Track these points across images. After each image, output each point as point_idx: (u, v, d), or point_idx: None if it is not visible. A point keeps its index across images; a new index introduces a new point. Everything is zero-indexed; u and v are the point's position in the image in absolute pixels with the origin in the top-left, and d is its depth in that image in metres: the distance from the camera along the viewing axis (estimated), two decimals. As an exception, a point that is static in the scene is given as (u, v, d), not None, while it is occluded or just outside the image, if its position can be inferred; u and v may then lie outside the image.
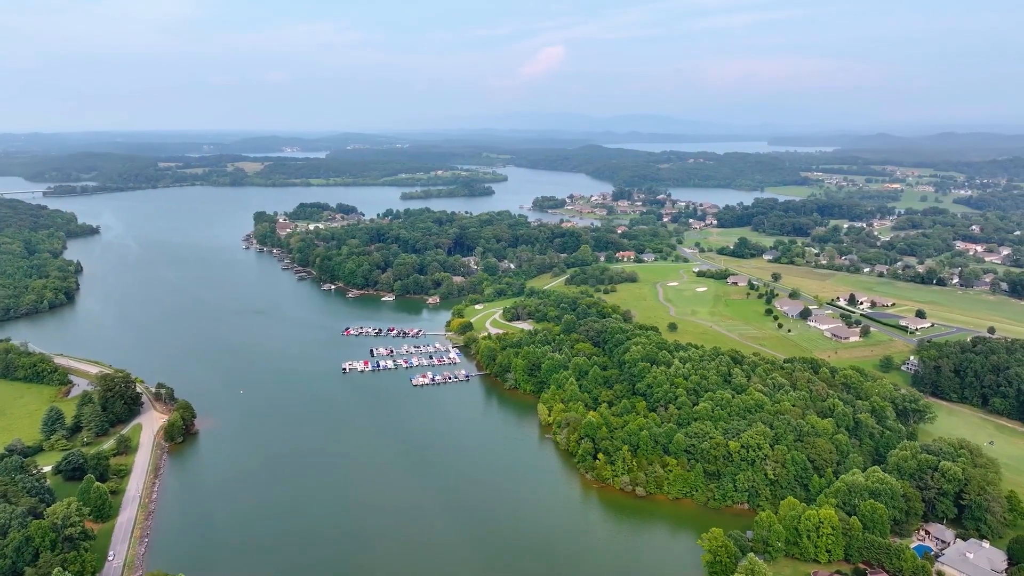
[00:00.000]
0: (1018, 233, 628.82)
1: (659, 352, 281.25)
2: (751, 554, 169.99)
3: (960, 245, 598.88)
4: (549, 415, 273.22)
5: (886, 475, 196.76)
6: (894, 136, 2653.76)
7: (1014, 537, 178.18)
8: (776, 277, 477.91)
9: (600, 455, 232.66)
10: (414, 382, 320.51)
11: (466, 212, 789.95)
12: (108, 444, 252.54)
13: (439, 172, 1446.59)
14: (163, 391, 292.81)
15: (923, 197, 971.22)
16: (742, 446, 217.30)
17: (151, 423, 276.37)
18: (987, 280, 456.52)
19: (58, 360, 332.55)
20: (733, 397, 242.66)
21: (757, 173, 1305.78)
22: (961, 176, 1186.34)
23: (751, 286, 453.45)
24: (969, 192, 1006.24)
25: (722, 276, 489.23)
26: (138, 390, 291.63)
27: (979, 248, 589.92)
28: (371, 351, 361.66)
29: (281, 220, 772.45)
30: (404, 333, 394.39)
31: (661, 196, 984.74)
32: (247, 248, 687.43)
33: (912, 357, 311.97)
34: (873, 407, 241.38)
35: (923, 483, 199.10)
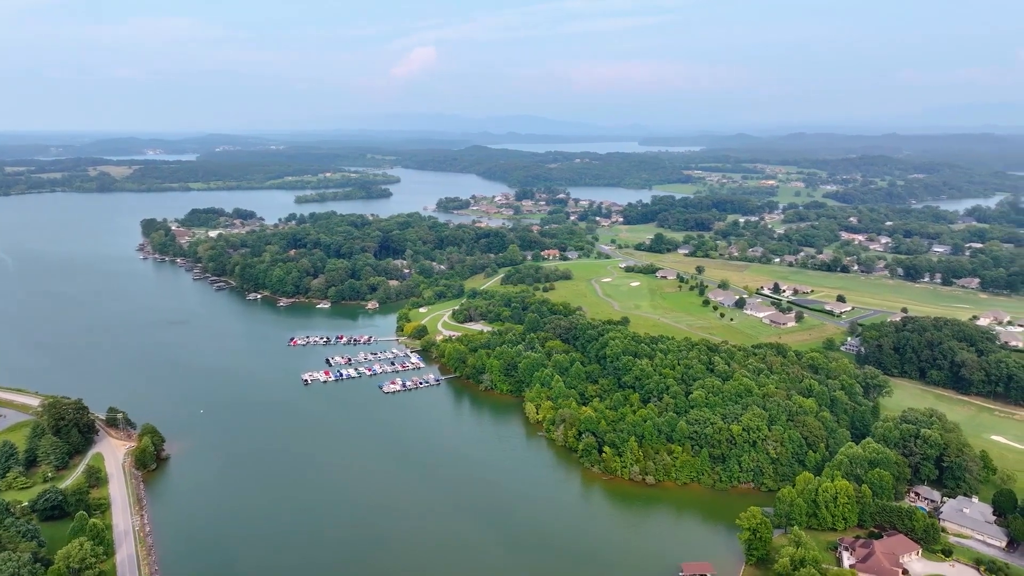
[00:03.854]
0: (889, 224, 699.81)
1: (639, 345, 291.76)
2: (795, 527, 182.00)
3: (845, 235, 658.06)
4: (537, 413, 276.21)
5: (879, 445, 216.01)
6: (752, 136, 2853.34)
7: (998, 491, 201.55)
8: (700, 270, 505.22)
9: (606, 448, 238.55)
10: (385, 389, 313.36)
11: (372, 215, 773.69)
12: (75, 478, 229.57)
13: (328, 174, 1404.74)
14: (118, 416, 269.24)
15: (797, 192, 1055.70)
16: (743, 429, 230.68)
17: (112, 451, 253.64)
18: (881, 266, 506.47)
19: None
20: (723, 384, 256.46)
21: (643, 172, 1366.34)
22: (823, 172, 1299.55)
23: (681, 279, 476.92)
24: (835, 187, 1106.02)
25: (650, 271, 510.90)
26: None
27: (861, 238, 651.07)
28: (327, 360, 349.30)
29: (175, 227, 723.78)
30: (355, 340, 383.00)
31: (561, 195, 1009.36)
32: (144, 258, 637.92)
33: (850, 338, 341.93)
34: (843, 385, 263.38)
35: (908, 450, 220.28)
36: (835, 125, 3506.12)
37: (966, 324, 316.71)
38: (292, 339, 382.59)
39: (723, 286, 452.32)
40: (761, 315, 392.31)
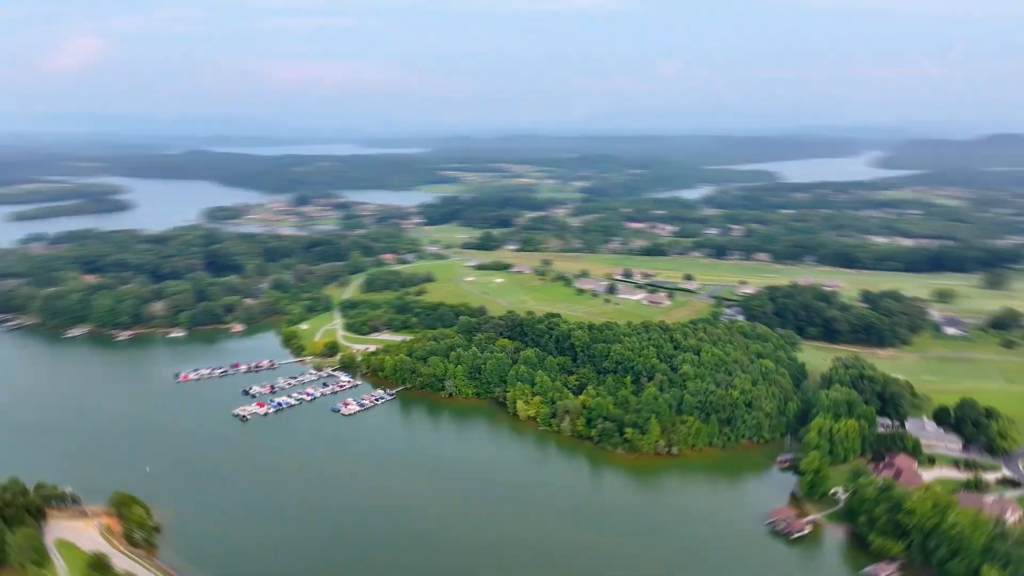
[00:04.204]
0: (658, 212, 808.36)
1: (603, 332, 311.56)
2: (859, 461, 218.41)
3: (629, 225, 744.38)
4: (528, 409, 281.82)
5: (847, 388, 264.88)
6: (471, 138, 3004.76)
7: (937, 408, 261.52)
8: (547, 263, 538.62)
9: (627, 428, 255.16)
10: (343, 412, 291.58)
11: (142, 229, 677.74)
12: (74, 571, 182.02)
13: (34, 186, 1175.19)
14: (65, 492, 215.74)
15: (553, 189, 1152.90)
16: (740, 392, 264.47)
17: (80, 533, 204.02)
18: (692, 247, 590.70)
19: None
20: (697, 356, 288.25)
21: (401, 173, 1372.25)
22: (563, 170, 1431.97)
23: (539, 273, 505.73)
24: (582, 183, 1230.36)
25: (502, 267, 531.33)
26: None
27: (642, 225, 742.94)
28: (245, 391, 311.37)
29: None
30: (256, 367, 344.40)
31: (338, 200, 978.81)
32: None
33: (727, 309, 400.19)
34: (776, 346, 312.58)
35: (859, 388, 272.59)
36: (536, 127, 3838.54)
37: (817, 288, 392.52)
38: (181, 374, 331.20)
39: (584, 275, 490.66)
40: (636, 298, 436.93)
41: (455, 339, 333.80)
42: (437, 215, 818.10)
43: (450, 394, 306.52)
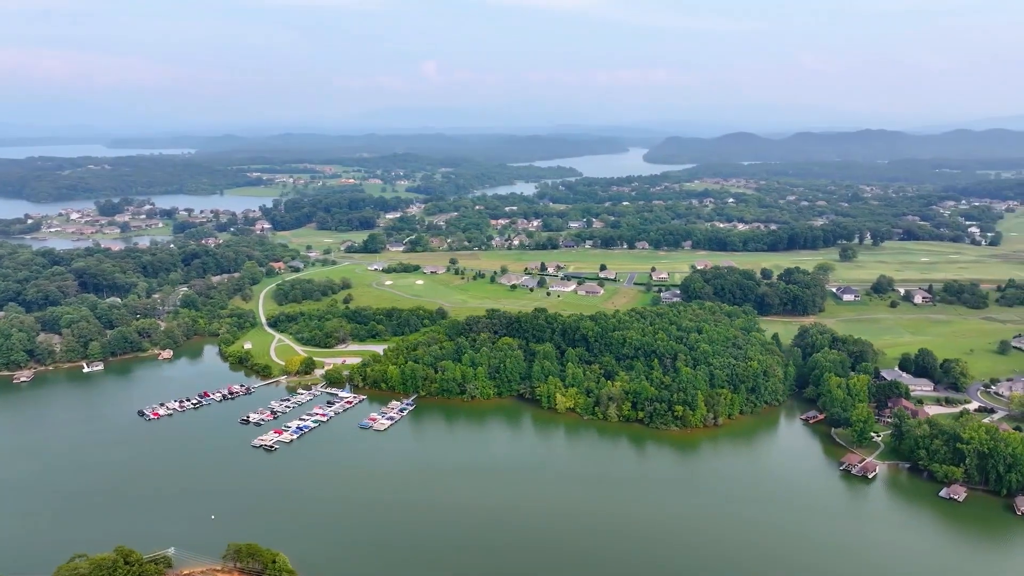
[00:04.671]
0: (511, 208, 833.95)
1: (608, 321, 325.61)
2: (901, 403, 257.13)
3: (494, 222, 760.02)
4: (566, 400, 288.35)
5: (836, 351, 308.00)
6: (240, 137, 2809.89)
7: (901, 358, 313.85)
8: (454, 262, 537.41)
9: (677, 407, 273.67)
10: (375, 428, 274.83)
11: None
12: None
13: None
14: (168, 556, 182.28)
15: (383, 188, 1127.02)
16: (758, 363, 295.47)
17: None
18: (578, 239, 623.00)
19: None
20: (700, 335, 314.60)
21: (197, 176, 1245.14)
22: (378, 169, 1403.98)
23: (458, 273, 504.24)
24: (407, 182, 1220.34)
25: (411, 269, 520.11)
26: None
27: (504, 222, 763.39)
28: (244, 420, 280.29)
29: None
30: (231, 393, 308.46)
31: (154, 207, 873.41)
32: None
33: (664, 292, 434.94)
34: (748, 322, 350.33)
35: (837, 347, 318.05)
36: (307, 125, 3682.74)
37: (738, 269, 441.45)
38: (150, 411, 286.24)
39: (505, 272, 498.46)
40: (569, 289, 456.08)
41: (452, 343, 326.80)
42: (287, 220, 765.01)
43: (471, 396, 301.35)
